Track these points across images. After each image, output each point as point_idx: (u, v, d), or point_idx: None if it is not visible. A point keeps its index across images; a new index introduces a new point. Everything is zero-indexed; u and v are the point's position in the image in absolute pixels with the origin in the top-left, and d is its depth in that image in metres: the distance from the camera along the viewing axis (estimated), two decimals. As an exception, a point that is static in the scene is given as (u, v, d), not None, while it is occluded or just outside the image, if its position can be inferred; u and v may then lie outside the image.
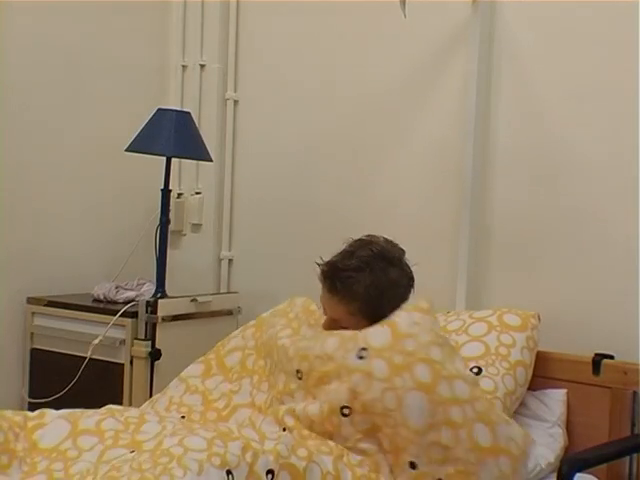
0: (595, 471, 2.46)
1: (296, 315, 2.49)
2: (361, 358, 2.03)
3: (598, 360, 2.65)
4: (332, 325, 2.24)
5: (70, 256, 3.45)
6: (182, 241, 3.76)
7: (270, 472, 1.78)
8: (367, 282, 2.21)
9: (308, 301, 2.61)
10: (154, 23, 3.73)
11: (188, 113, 3.30)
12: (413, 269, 2.50)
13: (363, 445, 2.02)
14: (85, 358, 3.09)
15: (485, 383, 2.54)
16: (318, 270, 2.30)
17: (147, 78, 3.71)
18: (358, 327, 2.16)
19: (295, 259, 3.38)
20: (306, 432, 2.02)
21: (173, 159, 3.27)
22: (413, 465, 2.00)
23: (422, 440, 1.97)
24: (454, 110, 3.07)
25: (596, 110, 2.80)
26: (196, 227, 3.73)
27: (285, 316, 2.50)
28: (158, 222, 3.25)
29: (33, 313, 3.29)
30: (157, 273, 3.24)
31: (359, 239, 2.38)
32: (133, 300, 3.22)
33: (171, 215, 3.31)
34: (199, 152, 3.27)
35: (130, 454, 1.84)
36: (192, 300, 3.20)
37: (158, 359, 3.02)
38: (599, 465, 2.41)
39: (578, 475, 2.21)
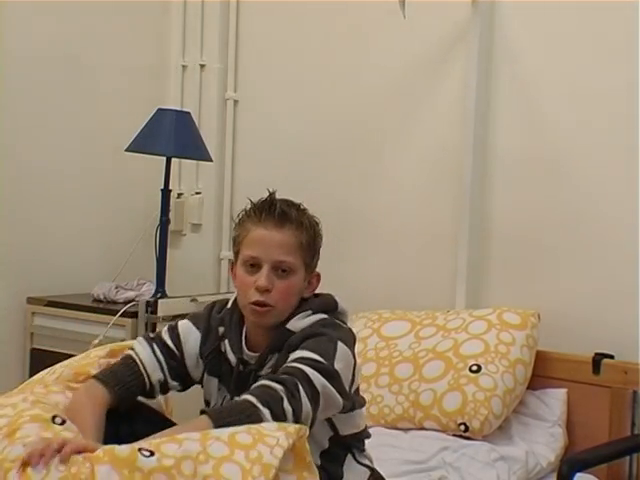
0: (595, 471, 2.46)
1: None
2: None
3: (598, 360, 2.65)
4: (274, 271, 1.81)
5: (70, 256, 3.45)
6: (182, 241, 3.75)
7: None
8: (308, 217, 1.91)
9: None
10: (154, 23, 3.72)
11: (188, 113, 3.30)
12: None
13: None
14: (85, 358, 3.09)
15: (484, 381, 2.55)
16: (251, 207, 1.88)
17: (147, 78, 3.71)
18: (298, 275, 1.84)
19: (295, 259, 3.38)
20: None
21: (173, 159, 3.27)
22: None
23: None
24: (454, 109, 3.07)
25: (595, 110, 2.80)
26: (196, 227, 3.73)
27: None
28: (158, 222, 3.25)
29: (33, 313, 3.28)
30: (157, 273, 3.24)
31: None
32: (133, 300, 3.21)
33: (171, 215, 3.31)
34: (199, 152, 3.27)
35: None
36: (192, 300, 3.19)
37: (158, 359, 3.02)
38: (599, 465, 2.41)
39: (578, 475, 2.21)
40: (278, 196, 1.90)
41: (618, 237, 2.75)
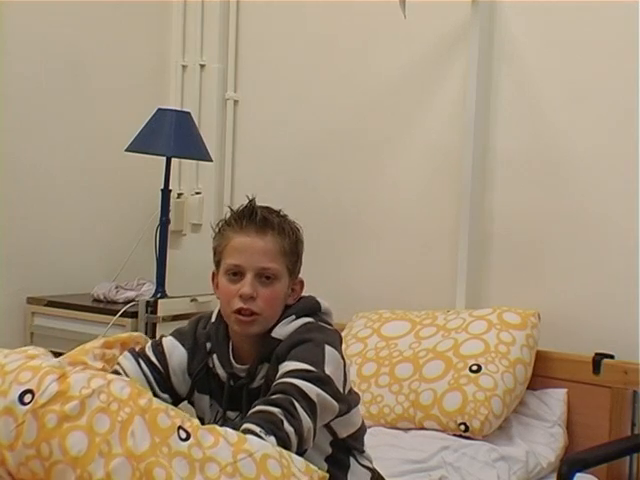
0: (595, 471, 2.46)
1: None
2: None
3: (598, 360, 2.65)
4: (258, 279, 1.79)
5: (70, 256, 3.45)
6: (182, 241, 3.76)
7: None
8: (289, 223, 1.87)
9: None
10: (154, 23, 3.73)
11: (188, 113, 3.30)
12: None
13: None
14: (85, 358, 3.08)
15: (484, 381, 2.55)
16: (231, 215, 1.86)
17: (147, 78, 3.71)
18: (282, 281, 1.81)
19: (295, 259, 3.38)
20: None
21: (173, 159, 3.27)
22: None
23: None
24: (454, 110, 3.07)
25: (596, 110, 2.80)
26: (196, 227, 3.73)
27: None
28: (158, 222, 3.25)
29: (33, 313, 3.29)
30: (157, 273, 3.24)
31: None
32: (133, 300, 3.22)
33: (171, 215, 3.31)
34: (199, 152, 3.27)
35: None
36: (192, 300, 3.19)
37: (158, 359, 3.01)
38: (599, 465, 2.41)
39: (578, 475, 2.21)
40: (265, 201, 1.87)
41: (618, 237, 2.75)
